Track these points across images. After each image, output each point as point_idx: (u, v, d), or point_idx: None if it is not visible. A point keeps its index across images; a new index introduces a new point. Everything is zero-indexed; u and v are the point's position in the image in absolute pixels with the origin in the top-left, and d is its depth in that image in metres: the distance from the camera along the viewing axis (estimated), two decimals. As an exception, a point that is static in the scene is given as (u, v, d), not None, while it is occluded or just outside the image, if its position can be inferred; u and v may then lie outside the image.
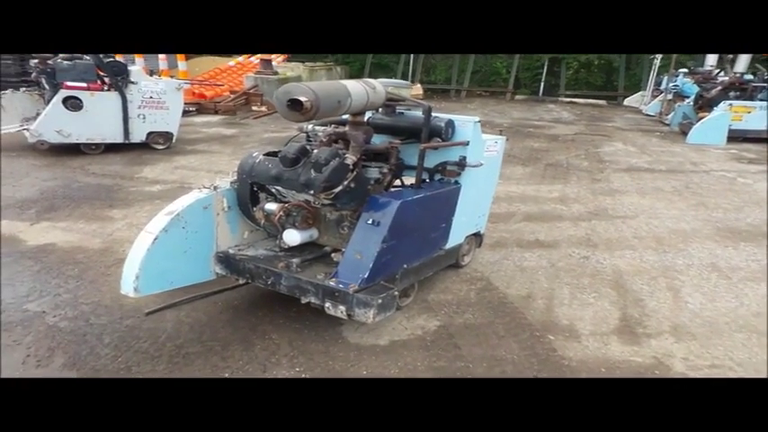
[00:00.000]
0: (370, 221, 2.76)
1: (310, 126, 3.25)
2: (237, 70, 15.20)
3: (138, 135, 7.35)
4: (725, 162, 8.36)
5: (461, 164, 3.27)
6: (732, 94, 10.24)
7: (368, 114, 3.24)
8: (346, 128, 3.01)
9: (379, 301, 2.58)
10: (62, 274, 3.55)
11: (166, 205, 2.78)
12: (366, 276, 2.64)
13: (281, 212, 2.88)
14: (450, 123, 3.24)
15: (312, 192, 2.71)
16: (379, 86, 2.95)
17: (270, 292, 2.96)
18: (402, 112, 3.43)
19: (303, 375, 2.58)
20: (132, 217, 4.74)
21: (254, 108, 12.34)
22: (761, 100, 10.04)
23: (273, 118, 11.32)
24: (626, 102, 16.73)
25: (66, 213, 4.80)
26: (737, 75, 11.01)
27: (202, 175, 6.37)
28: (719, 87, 10.46)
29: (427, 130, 3.07)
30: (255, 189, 3.01)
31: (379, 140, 3.23)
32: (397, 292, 2.78)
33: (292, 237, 2.95)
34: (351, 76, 18.26)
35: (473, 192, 3.47)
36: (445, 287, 3.57)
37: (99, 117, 6.96)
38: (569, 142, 9.85)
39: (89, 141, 7.06)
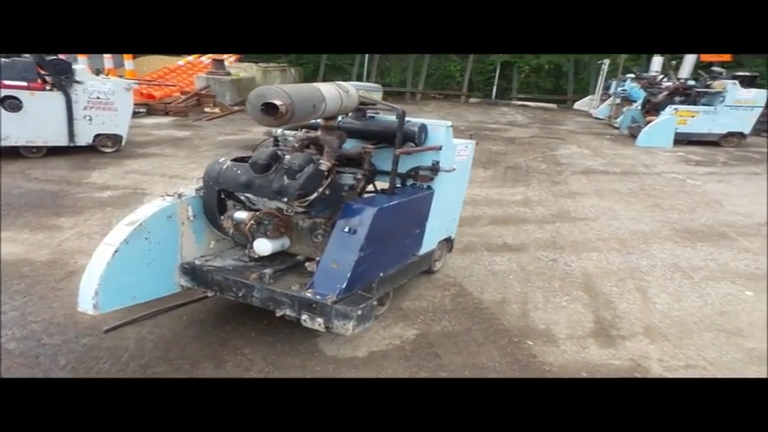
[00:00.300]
0: (346, 229, 2.65)
1: (279, 130, 3.11)
2: (187, 70, 14.74)
3: (84, 137, 6.96)
4: (674, 164, 8.70)
5: (435, 168, 3.21)
6: (677, 99, 10.69)
7: (338, 118, 3.13)
8: (318, 132, 2.89)
9: (359, 312, 2.47)
10: (6, 289, 3.25)
11: (119, 212, 2.60)
12: (344, 286, 2.53)
13: (252, 221, 2.73)
14: (424, 128, 3.17)
15: (286, 199, 2.58)
16: (353, 90, 2.84)
17: (238, 303, 2.80)
18: (372, 116, 3.34)
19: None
20: (82, 225, 4.43)
21: (206, 110, 11.95)
22: (703, 104, 10.53)
23: (227, 120, 11.00)
24: (576, 105, 17.25)
25: (6, 222, 4.43)
26: (681, 80, 11.50)
27: (156, 179, 6.08)
28: (665, 92, 10.90)
29: (401, 135, 2.99)
30: (223, 197, 2.85)
31: (349, 145, 3.13)
32: (375, 302, 2.69)
33: (263, 246, 2.80)
34: (305, 78, 18.06)
35: (445, 196, 3.42)
36: (419, 294, 3.49)
37: (40, 118, 6.53)
38: (526, 145, 10.02)
39: (29, 144, 6.63)
